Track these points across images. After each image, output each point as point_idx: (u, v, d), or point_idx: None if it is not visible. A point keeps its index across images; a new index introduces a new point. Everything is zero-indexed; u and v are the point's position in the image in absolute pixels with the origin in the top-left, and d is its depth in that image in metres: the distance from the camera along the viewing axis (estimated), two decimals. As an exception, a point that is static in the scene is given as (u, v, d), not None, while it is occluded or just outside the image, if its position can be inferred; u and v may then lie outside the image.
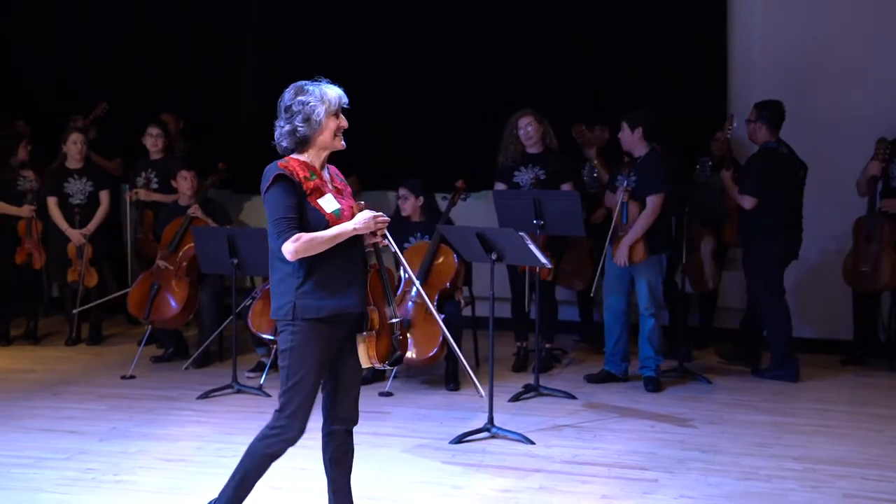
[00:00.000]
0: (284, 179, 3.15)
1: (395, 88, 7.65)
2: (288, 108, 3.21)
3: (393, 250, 3.35)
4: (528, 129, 6.09)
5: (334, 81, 3.32)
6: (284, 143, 3.24)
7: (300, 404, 3.20)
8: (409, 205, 6.06)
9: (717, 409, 5.41)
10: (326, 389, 3.34)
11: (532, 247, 4.80)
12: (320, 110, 3.18)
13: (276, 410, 3.24)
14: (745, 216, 6.02)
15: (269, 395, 5.41)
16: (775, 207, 5.89)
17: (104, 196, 7.00)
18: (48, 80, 8.18)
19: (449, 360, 5.88)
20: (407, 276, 5.88)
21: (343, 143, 3.30)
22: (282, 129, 3.23)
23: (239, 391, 5.58)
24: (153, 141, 6.95)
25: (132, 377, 6.04)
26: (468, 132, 7.44)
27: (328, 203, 3.20)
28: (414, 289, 5.81)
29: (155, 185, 6.94)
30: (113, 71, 8.04)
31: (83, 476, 4.27)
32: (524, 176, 6.14)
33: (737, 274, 6.80)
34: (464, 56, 7.59)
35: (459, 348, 5.82)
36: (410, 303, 5.79)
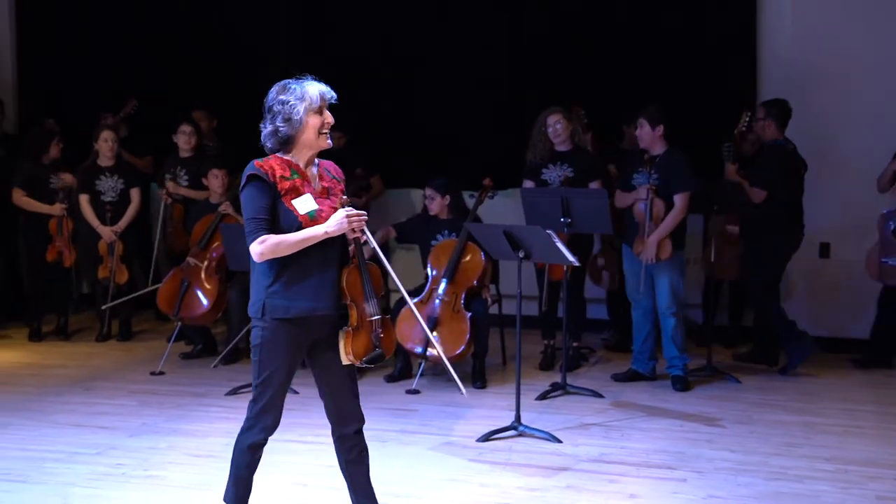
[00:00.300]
0: (258, 179, 3.12)
1: (424, 86, 7.66)
2: (269, 109, 3.17)
3: (372, 246, 3.29)
4: (556, 126, 6.06)
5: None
6: (269, 144, 3.21)
7: (271, 397, 3.22)
8: (436, 204, 6.06)
9: (746, 408, 5.37)
10: (323, 394, 3.34)
11: (559, 245, 4.78)
12: (299, 109, 3.12)
13: (251, 401, 3.27)
14: (749, 211, 6.03)
15: (296, 392, 5.43)
16: (783, 203, 5.95)
17: (135, 194, 7.07)
18: (79, 78, 8.27)
19: (476, 358, 5.87)
20: (434, 273, 5.89)
21: (329, 142, 3.22)
22: (265, 129, 3.19)
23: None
24: (186, 139, 7.00)
25: (161, 373, 6.09)
26: (496, 130, 7.44)
27: (303, 204, 3.15)
28: (441, 287, 5.82)
29: (185, 183, 6.99)
30: (144, 69, 8.11)
31: (114, 471, 4.31)
32: (552, 174, 6.12)
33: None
34: (492, 54, 7.57)
35: (486, 347, 5.89)
36: (437, 301, 5.79)
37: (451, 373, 3.50)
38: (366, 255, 3.31)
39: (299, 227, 3.12)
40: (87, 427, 4.96)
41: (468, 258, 5.87)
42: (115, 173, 7.02)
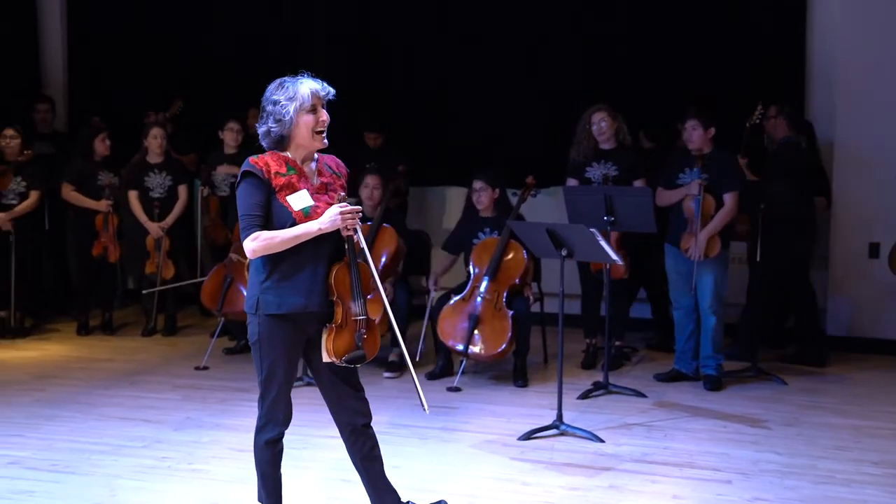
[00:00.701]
0: (251, 176, 3.12)
1: (464, 85, 7.66)
2: (262, 109, 3.17)
3: (361, 246, 3.23)
4: (601, 124, 6.01)
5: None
6: (264, 144, 3.22)
7: (277, 392, 3.25)
8: (487, 196, 6.02)
9: (793, 410, 5.29)
10: (326, 392, 3.35)
11: (603, 243, 4.74)
12: (289, 109, 3.11)
13: (259, 398, 3.30)
14: (771, 208, 5.96)
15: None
16: (787, 202, 5.97)
17: (182, 190, 7.16)
18: (128, 77, 8.40)
19: (517, 357, 5.86)
20: (476, 271, 5.88)
21: (325, 141, 3.20)
22: (260, 129, 3.20)
23: (308, 384, 5.63)
24: (233, 136, 7.08)
25: (205, 368, 6.16)
26: (537, 128, 7.41)
27: (298, 200, 3.13)
28: (483, 285, 5.80)
29: (231, 180, 7.07)
30: (190, 67, 8.22)
31: (159, 464, 4.37)
32: (596, 172, 6.08)
33: (815, 273, 6.64)
34: (535, 50, 7.54)
35: (528, 345, 5.87)
36: (479, 299, 5.78)
37: (413, 379, 3.41)
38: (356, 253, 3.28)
39: (293, 224, 3.12)
40: (133, 420, 5.04)
41: (510, 256, 5.85)
42: (164, 170, 7.11)
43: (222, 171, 7.12)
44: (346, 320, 3.22)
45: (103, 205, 7.04)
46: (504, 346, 5.65)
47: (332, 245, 3.21)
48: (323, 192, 3.22)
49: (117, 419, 5.06)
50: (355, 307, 3.23)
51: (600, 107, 6.07)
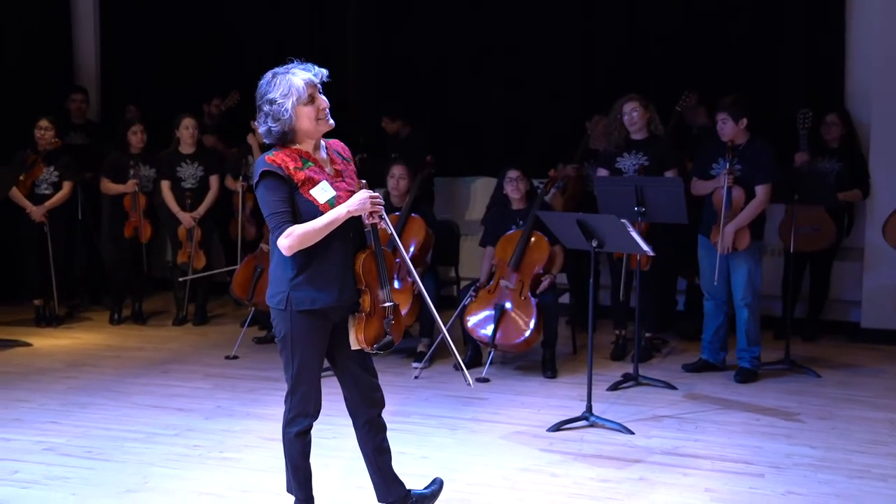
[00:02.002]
0: (270, 175, 3.07)
1: (489, 78, 7.64)
2: (259, 108, 3.12)
3: (390, 232, 3.24)
4: (633, 114, 5.96)
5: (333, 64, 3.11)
6: (268, 142, 3.17)
7: (308, 386, 3.24)
8: (523, 186, 5.99)
9: (826, 403, 5.22)
10: (345, 380, 3.34)
11: (634, 234, 4.70)
12: (286, 106, 3.06)
13: (287, 394, 3.28)
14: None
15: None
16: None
17: (214, 181, 7.20)
18: (161, 68, 8.46)
19: (546, 347, 5.83)
20: (500, 261, 5.86)
21: (330, 122, 3.15)
22: (261, 128, 3.15)
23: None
24: None
25: (236, 357, 6.20)
26: (560, 120, 7.38)
27: (322, 192, 3.10)
28: (507, 274, 5.78)
29: None
30: (223, 60, 8.27)
31: (191, 452, 4.40)
32: (627, 162, 6.02)
33: (850, 265, 6.56)
34: (561, 42, 7.51)
35: (556, 335, 5.84)
36: (504, 289, 5.76)
37: (452, 352, 3.44)
38: (381, 239, 3.29)
39: (320, 216, 3.08)
40: (165, 409, 5.08)
41: (534, 246, 5.82)
42: (196, 160, 7.15)
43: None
44: (374, 308, 3.23)
45: (130, 185, 7.08)
46: (528, 334, 5.62)
47: (355, 234, 3.21)
48: (339, 180, 3.20)
49: (149, 407, 5.11)
50: (382, 294, 3.24)
51: (632, 96, 6.01)
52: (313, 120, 3.11)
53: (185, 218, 7.07)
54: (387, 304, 3.24)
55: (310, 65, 3.15)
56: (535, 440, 4.59)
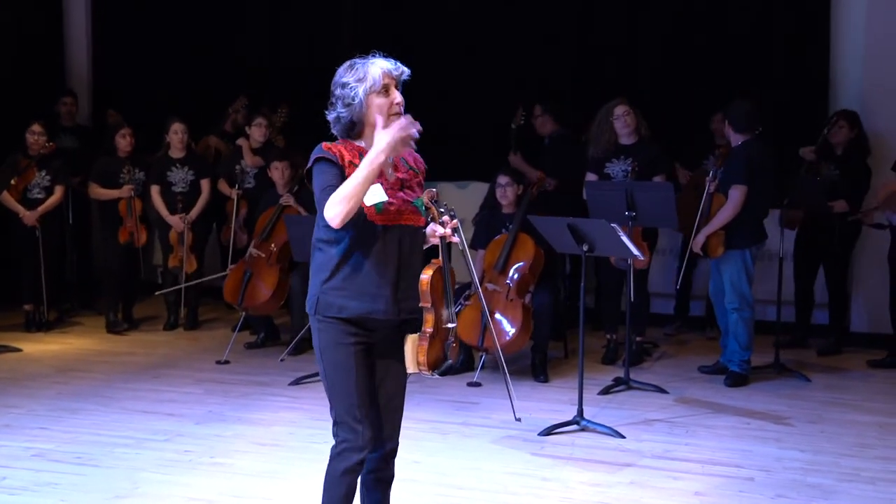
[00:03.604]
0: (324, 161, 2.83)
1: (465, 79, 7.65)
2: (331, 94, 2.90)
3: (461, 248, 3.02)
4: (625, 118, 5.98)
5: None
6: (335, 131, 2.94)
7: (344, 410, 2.88)
8: (512, 192, 6.00)
9: (816, 407, 5.24)
10: (376, 410, 2.99)
11: (624, 238, 4.72)
12: (358, 91, 2.82)
13: (333, 424, 2.93)
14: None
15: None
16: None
17: (205, 185, 7.19)
18: (152, 72, 8.45)
19: (536, 352, 5.84)
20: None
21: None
22: (330, 116, 2.92)
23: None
24: (262, 131, 7.10)
25: (227, 362, 6.19)
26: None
27: (371, 195, 2.80)
28: (494, 277, 5.77)
29: (255, 171, 7.09)
30: (206, 64, 8.26)
31: (181, 457, 4.39)
32: (616, 168, 6.04)
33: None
34: (541, 50, 7.54)
35: (547, 340, 5.84)
36: (491, 291, 5.75)
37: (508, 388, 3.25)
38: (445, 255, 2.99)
39: (364, 218, 2.81)
40: (156, 414, 5.07)
41: (519, 245, 5.82)
42: (186, 164, 7.14)
43: (251, 163, 7.11)
44: (438, 328, 2.94)
45: (125, 191, 7.06)
46: (511, 335, 5.61)
47: (415, 245, 2.94)
48: (398, 189, 2.90)
49: (140, 412, 5.09)
50: (447, 314, 2.96)
51: (622, 100, 6.04)
52: (384, 113, 2.85)
53: (175, 221, 7.05)
54: (450, 325, 2.96)
55: (392, 59, 2.93)
56: (527, 444, 4.59)
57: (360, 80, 2.84)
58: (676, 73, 7.21)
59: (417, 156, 3.05)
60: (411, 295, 2.93)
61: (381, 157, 2.74)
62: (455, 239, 2.94)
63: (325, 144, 2.89)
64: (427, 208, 2.93)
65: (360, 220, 2.81)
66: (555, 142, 6.93)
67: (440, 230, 2.91)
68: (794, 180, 5.97)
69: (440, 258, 2.95)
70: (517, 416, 3.30)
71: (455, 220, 2.93)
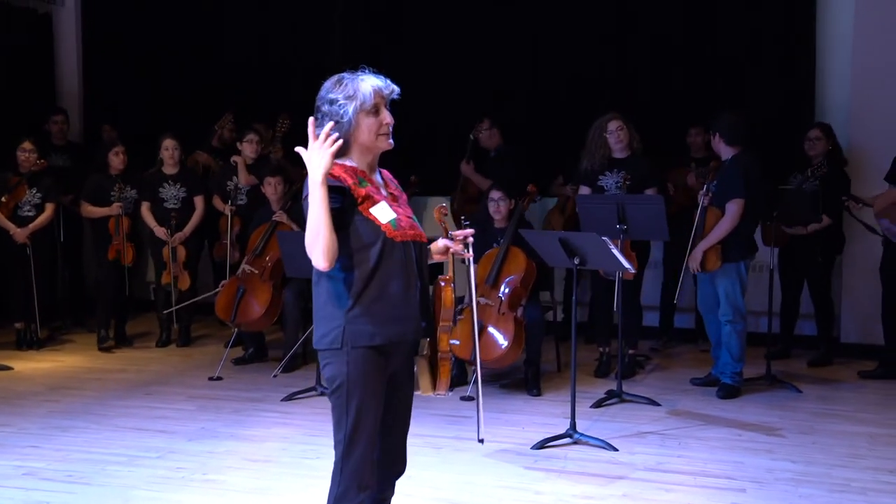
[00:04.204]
0: (328, 186, 2.66)
1: (456, 93, 7.67)
2: (318, 109, 2.77)
3: (467, 264, 2.93)
4: (619, 133, 6.02)
5: (380, 72, 2.82)
6: None
7: (365, 446, 2.74)
8: (505, 206, 6.01)
9: (807, 418, 5.26)
10: (385, 438, 2.90)
11: (615, 251, 4.74)
12: (348, 109, 2.71)
13: (340, 459, 2.75)
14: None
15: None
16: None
17: (199, 201, 7.19)
18: (143, 88, 8.48)
19: (529, 365, 5.85)
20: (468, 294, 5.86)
21: (390, 142, 2.80)
22: (317, 132, 2.73)
23: (322, 394, 5.66)
24: (253, 147, 7.10)
25: (219, 378, 6.18)
26: (533, 138, 7.46)
27: (382, 212, 2.72)
28: (486, 291, 5.77)
29: (248, 188, 7.10)
30: (201, 77, 8.29)
31: (174, 475, 4.38)
32: (609, 181, 6.07)
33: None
34: (538, 62, 7.59)
35: (539, 353, 5.85)
36: (483, 304, 5.74)
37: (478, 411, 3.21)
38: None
39: (384, 239, 2.71)
40: (148, 431, 5.06)
41: (511, 262, 5.84)
42: (178, 181, 7.14)
43: (245, 181, 7.10)
44: (447, 348, 2.91)
45: (115, 209, 7.05)
46: (503, 349, 5.61)
47: (420, 261, 2.83)
48: (395, 204, 2.83)
49: (132, 430, 5.08)
50: (452, 333, 2.92)
51: (615, 115, 6.08)
52: (374, 133, 2.76)
53: (161, 232, 7.03)
54: (453, 342, 3.03)
55: (382, 76, 2.83)
56: (520, 458, 4.59)
57: (349, 98, 2.74)
58: (655, 88, 7.26)
59: (391, 175, 3.00)
60: (425, 313, 2.84)
61: (319, 178, 2.62)
62: (467, 254, 2.87)
63: None
64: (441, 223, 2.89)
65: (380, 240, 2.71)
66: (500, 155, 7.14)
67: (452, 246, 2.88)
68: (781, 194, 5.99)
69: (450, 274, 2.87)
70: (480, 438, 3.27)
71: (471, 230, 2.89)
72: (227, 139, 7.68)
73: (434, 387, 2.85)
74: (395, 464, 2.96)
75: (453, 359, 2.96)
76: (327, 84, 2.79)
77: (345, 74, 2.80)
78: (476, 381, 3.38)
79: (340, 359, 2.72)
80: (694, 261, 5.63)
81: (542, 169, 7.10)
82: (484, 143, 7.26)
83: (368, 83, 2.77)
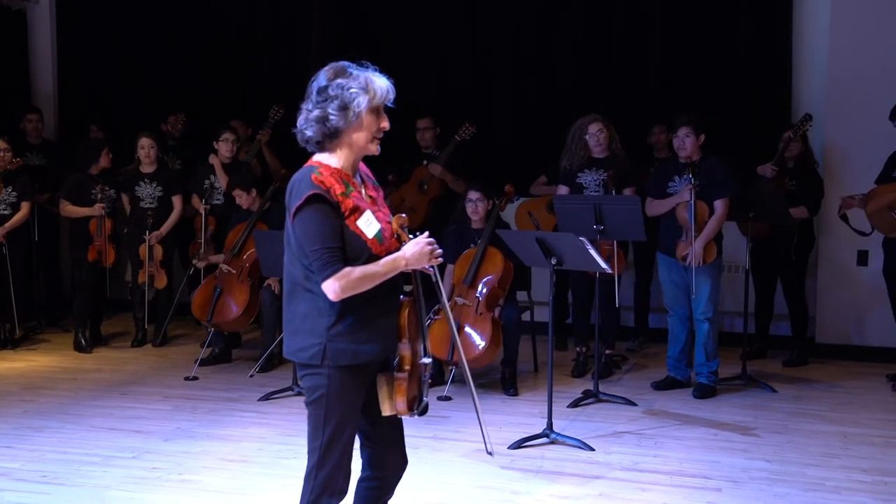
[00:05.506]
0: (321, 200, 2.60)
1: (448, 93, 7.67)
2: (322, 91, 2.63)
3: (434, 280, 2.88)
4: (599, 135, 6.04)
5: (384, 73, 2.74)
6: (309, 133, 2.67)
7: (342, 455, 2.74)
8: (483, 207, 6.01)
9: (782, 418, 5.30)
10: (370, 443, 2.91)
11: (592, 251, 4.75)
12: (362, 100, 2.62)
13: (312, 467, 2.74)
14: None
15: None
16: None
17: (177, 201, 7.14)
18: (119, 86, 8.41)
19: (507, 365, 5.86)
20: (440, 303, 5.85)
21: (378, 148, 2.73)
22: (309, 113, 2.65)
23: (299, 393, 5.64)
24: (228, 147, 7.05)
25: (195, 378, 6.14)
26: (507, 136, 7.51)
27: (368, 225, 2.65)
28: (463, 291, 5.78)
29: (224, 188, 7.06)
30: (183, 74, 8.24)
31: (149, 475, 4.35)
32: (588, 177, 6.09)
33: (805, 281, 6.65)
34: (516, 63, 7.60)
35: (516, 353, 5.86)
36: (460, 304, 5.75)
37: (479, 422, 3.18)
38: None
39: (369, 254, 2.65)
40: (123, 431, 5.02)
41: (488, 262, 5.85)
42: (155, 180, 7.09)
43: (224, 183, 7.02)
44: (414, 366, 2.80)
45: (97, 209, 6.98)
46: (481, 349, 5.62)
47: (399, 280, 2.78)
48: (375, 209, 2.75)
49: (107, 430, 5.04)
50: (422, 350, 2.82)
51: (595, 117, 6.10)
52: (371, 134, 2.69)
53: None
54: (426, 361, 2.81)
55: (385, 76, 2.75)
56: (497, 458, 4.59)
57: (363, 89, 2.63)
58: (626, 88, 7.31)
59: (367, 168, 2.90)
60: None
61: (402, 265, 2.67)
62: (430, 271, 2.79)
63: (314, 176, 2.64)
64: (398, 235, 2.76)
65: (365, 255, 2.65)
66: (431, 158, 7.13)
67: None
68: (756, 193, 6.04)
69: (413, 288, 2.80)
70: (489, 450, 3.24)
71: (425, 235, 2.78)
72: (175, 138, 7.65)
73: (393, 407, 2.78)
74: (394, 468, 2.97)
75: (426, 379, 2.86)
76: (329, 70, 2.68)
77: (348, 65, 2.69)
78: (471, 393, 3.38)
79: (321, 375, 2.69)
80: (697, 256, 5.65)
81: (523, 170, 7.10)
82: (420, 142, 7.15)
83: (381, 81, 2.69)
